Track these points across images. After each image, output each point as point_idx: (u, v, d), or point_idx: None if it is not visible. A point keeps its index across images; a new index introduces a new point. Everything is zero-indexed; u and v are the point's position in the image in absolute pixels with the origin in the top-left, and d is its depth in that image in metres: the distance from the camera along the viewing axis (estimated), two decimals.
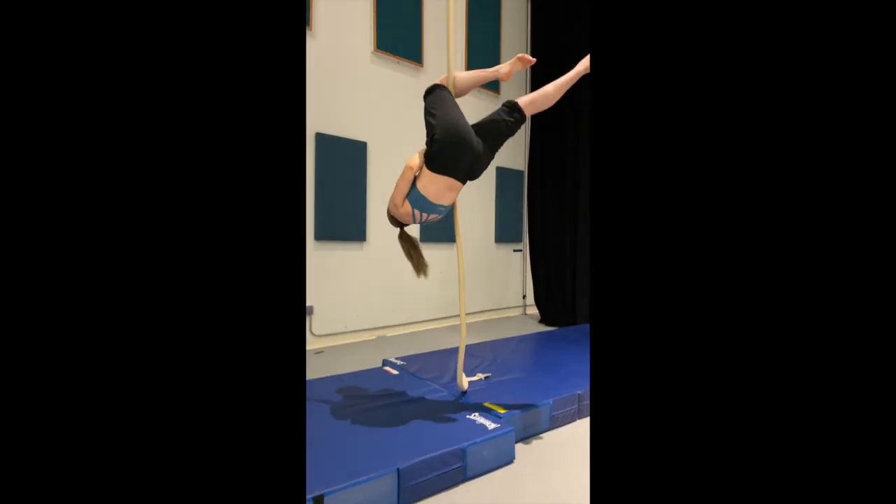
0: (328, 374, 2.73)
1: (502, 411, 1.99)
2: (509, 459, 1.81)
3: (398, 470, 1.49)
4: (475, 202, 4.99)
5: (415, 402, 2.12)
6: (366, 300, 4.06)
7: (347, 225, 3.94)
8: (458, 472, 1.64)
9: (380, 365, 2.90)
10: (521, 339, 3.56)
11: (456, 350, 3.13)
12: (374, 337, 4.15)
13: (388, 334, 4.27)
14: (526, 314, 5.63)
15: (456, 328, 4.62)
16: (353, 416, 1.93)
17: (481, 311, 5.16)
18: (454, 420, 1.89)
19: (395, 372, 2.58)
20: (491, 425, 1.82)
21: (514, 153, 5.44)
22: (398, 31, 4.19)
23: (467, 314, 5.00)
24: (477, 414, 1.94)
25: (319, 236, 3.73)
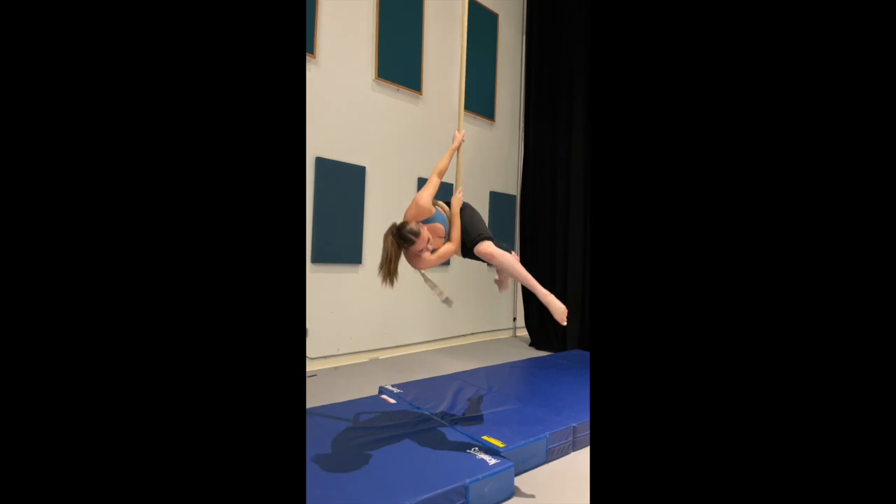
0: (324, 402, 2.74)
1: (501, 445, 2.03)
2: (509, 494, 1.86)
3: None
4: None
5: (413, 433, 2.15)
6: (359, 323, 4.09)
7: (344, 248, 3.98)
8: None
9: (375, 390, 2.93)
10: (514, 366, 3.62)
11: (452, 376, 3.17)
12: (367, 360, 4.16)
13: (382, 357, 4.29)
14: (516, 336, 5.69)
15: (450, 350, 4.66)
16: (353, 450, 1.95)
17: (472, 334, 5.21)
18: (455, 454, 1.93)
19: (392, 401, 2.61)
20: (491, 460, 1.87)
21: (506, 178, 5.57)
22: (399, 60, 4.30)
23: (459, 336, 5.05)
24: (477, 448, 1.98)
25: (316, 259, 3.76)
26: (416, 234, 1.94)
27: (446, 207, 2.15)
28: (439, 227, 2.08)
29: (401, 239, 1.95)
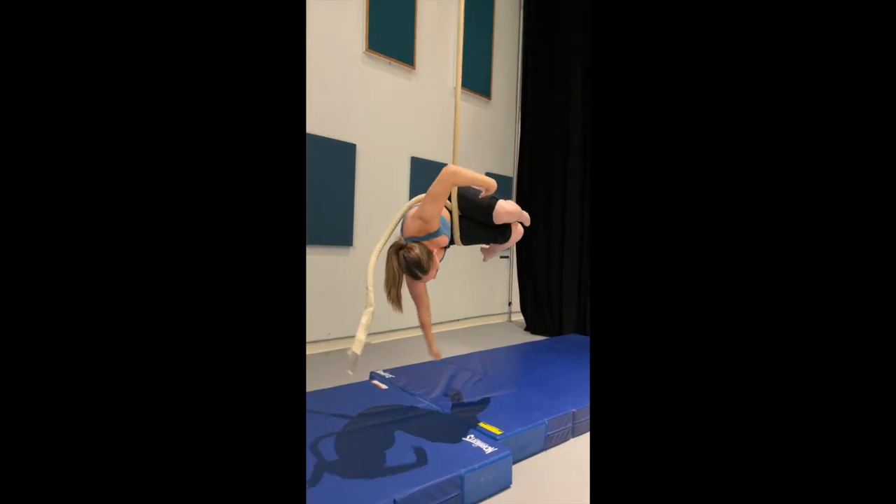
0: (313, 388, 2.64)
1: (498, 433, 1.93)
2: (506, 484, 1.76)
3: (394, 501, 1.42)
4: None
5: (406, 420, 2.05)
6: (350, 307, 3.96)
7: (334, 229, 3.83)
8: (456, 500, 1.57)
9: (366, 376, 2.82)
10: (510, 350, 3.52)
11: (445, 361, 3.06)
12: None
13: (373, 342, 4.18)
14: (511, 321, 5.61)
15: (443, 335, 4.56)
16: (343, 438, 1.84)
17: (466, 318, 5.11)
18: (449, 442, 1.83)
19: (384, 386, 2.50)
20: (488, 449, 1.76)
21: (503, 159, 5.42)
22: (391, 32, 4.09)
23: (452, 321, 4.95)
24: (472, 436, 1.88)
25: (307, 240, 3.61)
26: (426, 270, 1.71)
27: (446, 211, 1.87)
28: (443, 238, 1.82)
29: (408, 273, 1.73)
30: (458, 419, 2.07)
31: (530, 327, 5.03)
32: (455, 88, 2.11)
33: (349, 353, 1.60)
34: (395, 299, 1.72)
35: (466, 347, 4.02)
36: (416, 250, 1.67)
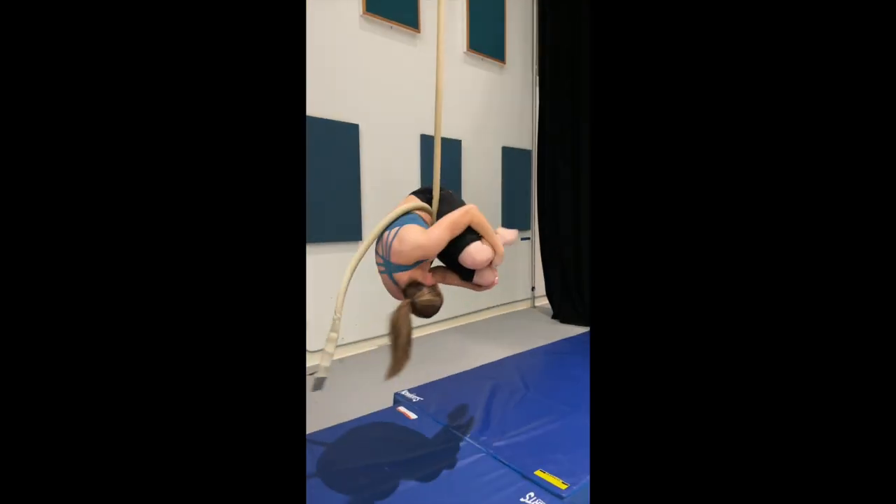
0: (329, 405, 2.31)
1: (562, 486, 1.55)
2: None
3: None
4: (480, 186, 4.47)
5: (443, 469, 1.67)
6: (364, 307, 3.57)
7: (340, 223, 3.40)
8: None
9: (387, 385, 2.47)
10: (548, 352, 3.12)
11: (477, 372, 2.69)
12: (375, 347, 3.69)
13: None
14: (535, 307, 5.22)
15: (465, 329, 4.18)
16: (362, 495, 1.48)
17: (489, 308, 4.71)
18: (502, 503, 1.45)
19: (412, 416, 2.12)
20: None
21: (520, 130, 4.90)
22: None
23: (474, 312, 4.56)
24: (531, 494, 1.50)
25: (309, 238, 3.20)
26: (438, 303, 1.57)
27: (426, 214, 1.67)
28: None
29: (431, 315, 1.59)
30: (508, 468, 1.68)
31: (558, 315, 4.63)
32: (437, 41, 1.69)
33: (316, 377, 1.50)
34: (406, 356, 1.54)
35: (493, 345, 3.65)
36: (426, 296, 1.53)
